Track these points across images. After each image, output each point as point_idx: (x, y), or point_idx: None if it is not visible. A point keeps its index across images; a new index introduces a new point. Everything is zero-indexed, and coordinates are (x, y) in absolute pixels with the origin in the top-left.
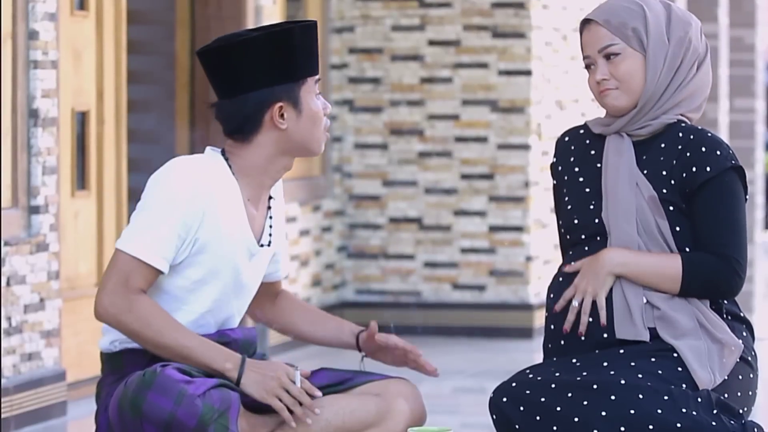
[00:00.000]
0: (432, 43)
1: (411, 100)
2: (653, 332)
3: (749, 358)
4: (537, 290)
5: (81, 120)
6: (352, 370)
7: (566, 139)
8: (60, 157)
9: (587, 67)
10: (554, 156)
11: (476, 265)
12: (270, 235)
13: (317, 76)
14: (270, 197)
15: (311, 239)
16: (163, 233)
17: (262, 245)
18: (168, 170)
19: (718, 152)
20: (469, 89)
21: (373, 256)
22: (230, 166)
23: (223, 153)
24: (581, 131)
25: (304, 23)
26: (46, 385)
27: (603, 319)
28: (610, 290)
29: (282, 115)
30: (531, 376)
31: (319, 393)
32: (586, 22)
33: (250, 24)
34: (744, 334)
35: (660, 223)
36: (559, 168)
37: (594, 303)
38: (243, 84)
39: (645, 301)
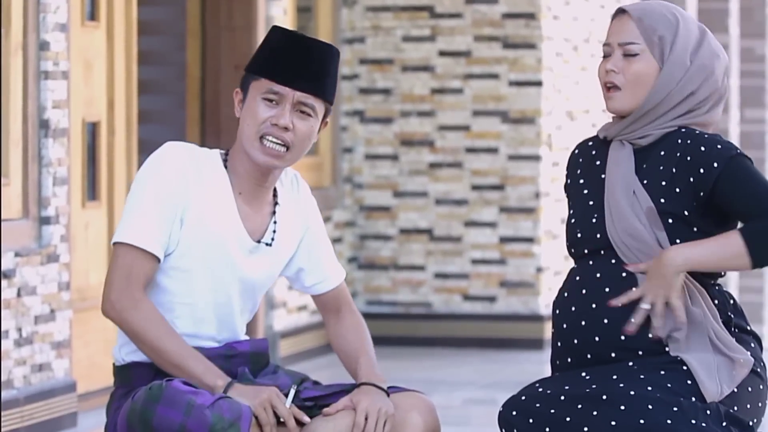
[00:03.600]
0: (443, 53)
1: (422, 111)
2: (657, 348)
3: (758, 370)
4: (547, 301)
5: (92, 131)
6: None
7: (576, 152)
8: (71, 167)
9: (605, 56)
10: (566, 170)
11: (487, 276)
12: (273, 233)
13: (280, 87)
14: (276, 203)
15: None
16: (153, 217)
17: (259, 242)
18: (155, 155)
19: (719, 146)
20: (480, 100)
21: (384, 267)
22: (225, 160)
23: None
24: (590, 143)
25: (299, 36)
26: (56, 396)
27: (662, 326)
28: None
29: (240, 99)
30: (540, 389)
31: (307, 419)
32: (620, 12)
33: (261, 35)
34: (752, 345)
35: (658, 236)
36: (569, 181)
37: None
38: None
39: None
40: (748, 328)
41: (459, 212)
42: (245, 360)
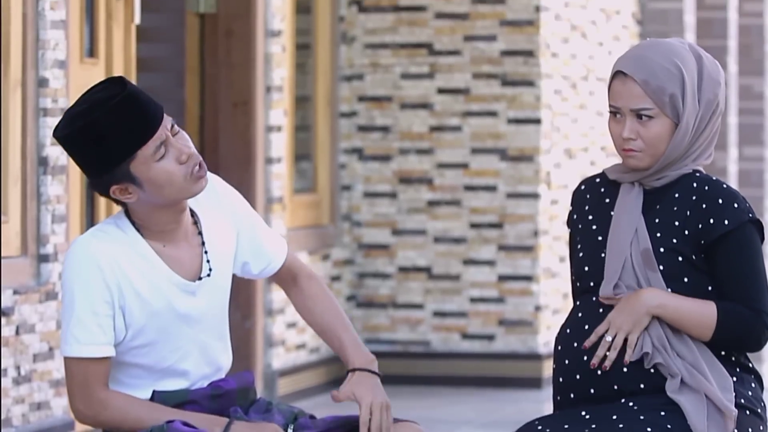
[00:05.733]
0: (441, 91)
1: (420, 149)
2: (659, 382)
3: (758, 410)
4: (546, 340)
5: None
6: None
7: (582, 188)
8: (69, 205)
9: (613, 113)
10: (571, 205)
11: (485, 315)
12: (208, 261)
13: (154, 139)
14: (195, 223)
15: None
16: (90, 322)
17: (200, 278)
18: (68, 260)
19: (735, 205)
20: (479, 138)
21: (382, 305)
22: (133, 222)
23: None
24: (597, 180)
25: (108, 106)
26: None
27: (628, 357)
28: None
29: (126, 190)
30: (540, 427)
31: None
32: (621, 74)
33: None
34: (753, 385)
35: (651, 276)
36: (575, 217)
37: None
38: (84, 171)
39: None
40: (750, 365)
41: (458, 250)
42: (233, 397)
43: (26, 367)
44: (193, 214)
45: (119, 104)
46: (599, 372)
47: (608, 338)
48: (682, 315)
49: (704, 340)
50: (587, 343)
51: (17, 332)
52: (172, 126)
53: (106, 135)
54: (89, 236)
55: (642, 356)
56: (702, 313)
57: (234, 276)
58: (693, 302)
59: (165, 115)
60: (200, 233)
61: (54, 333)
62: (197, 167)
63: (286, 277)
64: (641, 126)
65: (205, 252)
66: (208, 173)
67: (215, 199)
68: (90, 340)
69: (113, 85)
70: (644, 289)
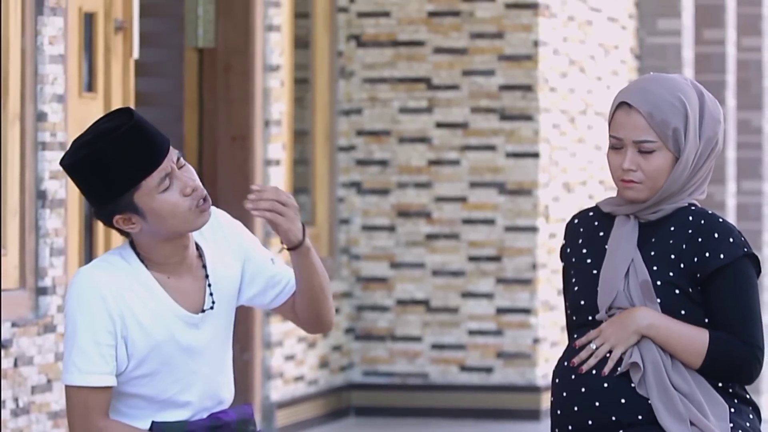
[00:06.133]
0: (439, 125)
1: (418, 182)
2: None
3: None
4: (544, 372)
5: None
6: None
7: (576, 221)
8: (68, 238)
9: (614, 146)
10: (564, 239)
11: (483, 347)
12: (211, 294)
13: (159, 171)
14: (199, 255)
15: None
16: (93, 352)
17: (204, 310)
18: (71, 290)
19: (731, 239)
20: (477, 171)
21: (381, 338)
22: (138, 254)
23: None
24: (591, 213)
25: (113, 136)
26: None
27: (606, 369)
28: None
29: (129, 220)
30: None
31: None
32: (625, 104)
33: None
34: (750, 416)
35: (651, 308)
36: (568, 250)
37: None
38: (88, 200)
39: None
40: (748, 396)
41: (456, 283)
42: (232, 429)
43: (24, 399)
44: (198, 247)
45: (124, 135)
46: (590, 422)
47: (593, 346)
48: (672, 337)
49: (694, 367)
50: (577, 343)
51: (16, 364)
52: (179, 159)
53: (110, 165)
54: (93, 266)
55: (630, 372)
56: (693, 338)
57: (236, 309)
58: (685, 327)
59: (171, 148)
60: (204, 266)
61: (52, 365)
62: (202, 200)
63: (291, 302)
64: (642, 158)
65: (209, 285)
66: (213, 207)
67: (220, 233)
68: (91, 370)
69: (120, 115)
70: (639, 308)
